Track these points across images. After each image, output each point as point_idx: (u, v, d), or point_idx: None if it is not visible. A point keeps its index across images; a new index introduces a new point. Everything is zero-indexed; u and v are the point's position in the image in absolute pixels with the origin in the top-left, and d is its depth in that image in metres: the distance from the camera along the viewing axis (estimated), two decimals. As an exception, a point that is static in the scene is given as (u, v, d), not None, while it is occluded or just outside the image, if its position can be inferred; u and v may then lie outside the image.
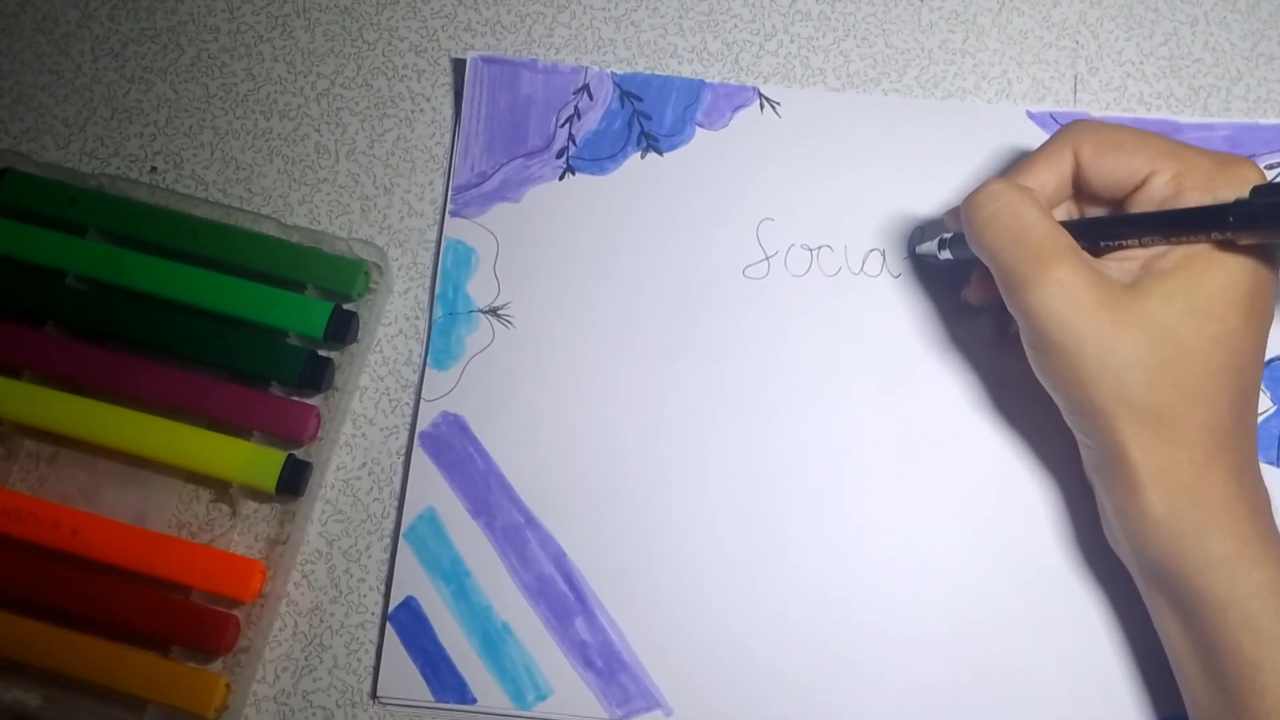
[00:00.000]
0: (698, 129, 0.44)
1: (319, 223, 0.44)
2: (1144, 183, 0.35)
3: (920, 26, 0.46)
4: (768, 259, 0.43)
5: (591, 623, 0.39)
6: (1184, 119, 0.44)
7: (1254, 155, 0.43)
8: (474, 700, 0.38)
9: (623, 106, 0.45)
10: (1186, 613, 0.34)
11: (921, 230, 0.43)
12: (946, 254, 0.40)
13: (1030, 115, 0.44)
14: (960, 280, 0.41)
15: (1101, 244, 0.35)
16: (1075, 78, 0.45)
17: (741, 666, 0.38)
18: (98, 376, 0.41)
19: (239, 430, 0.41)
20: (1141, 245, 0.35)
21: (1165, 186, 0.35)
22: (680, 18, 0.47)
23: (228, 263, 0.42)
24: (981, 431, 0.41)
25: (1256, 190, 0.33)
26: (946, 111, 0.44)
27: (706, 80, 0.45)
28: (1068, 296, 0.33)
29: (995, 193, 0.35)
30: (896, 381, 0.41)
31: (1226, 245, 0.33)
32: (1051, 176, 0.37)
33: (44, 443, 0.42)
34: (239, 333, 0.41)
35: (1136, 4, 0.46)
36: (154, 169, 0.45)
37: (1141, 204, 0.35)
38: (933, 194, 0.43)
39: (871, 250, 0.43)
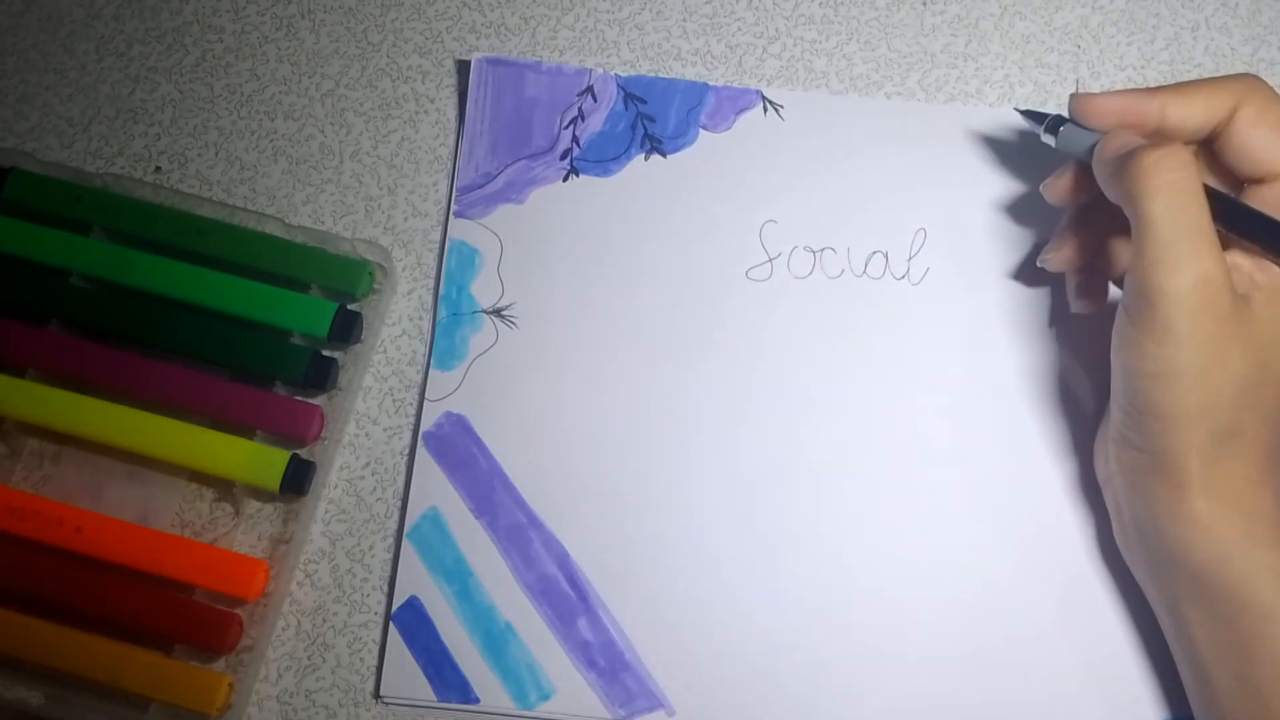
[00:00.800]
0: (701, 131, 0.44)
1: (323, 223, 0.45)
2: (1276, 178, 0.34)
3: (923, 30, 0.46)
4: (771, 261, 0.43)
5: (594, 623, 0.39)
6: (1185, 123, 0.44)
7: (1255, 160, 0.43)
8: (477, 700, 0.39)
9: (626, 108, 0.45)
10: (1221, 621, 0.33)
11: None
12: (1051, 140, 0.37)
13: (1032, 119, 0.44)
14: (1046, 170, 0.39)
15: (1219, 227, 0.33)
16: (1077, 82, 0.46)
17: (744, 667, 0.39)
18: (102, 375, 0.41)
19: (243, 429, 0.41)
20: (1259, 252, 0.34)
21: None
22: (684, 21, 0.47)
23: (232, 262, 0.42)
24: (986, 434, 0.41)
25: None
26: (949, 115, 0.44)
27: (710, 83, 0.45)
28: (1210, 294, 0.32)
29: (1177, 162, 0.32)
30: (900, 383, 0.41)
31: None
32: (1203, 115, 0.34)
33: (48, 441, 0.42)
34: (243, 332, 0.41)
35: (1138, 9, 0.46)
36: (158, 169, 0.45)
37: (1264, 198, 0.34)
38: (935, 197, 0.43)
39: (874, 253, 0.43)
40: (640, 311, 0.42)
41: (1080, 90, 0.45)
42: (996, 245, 0.43)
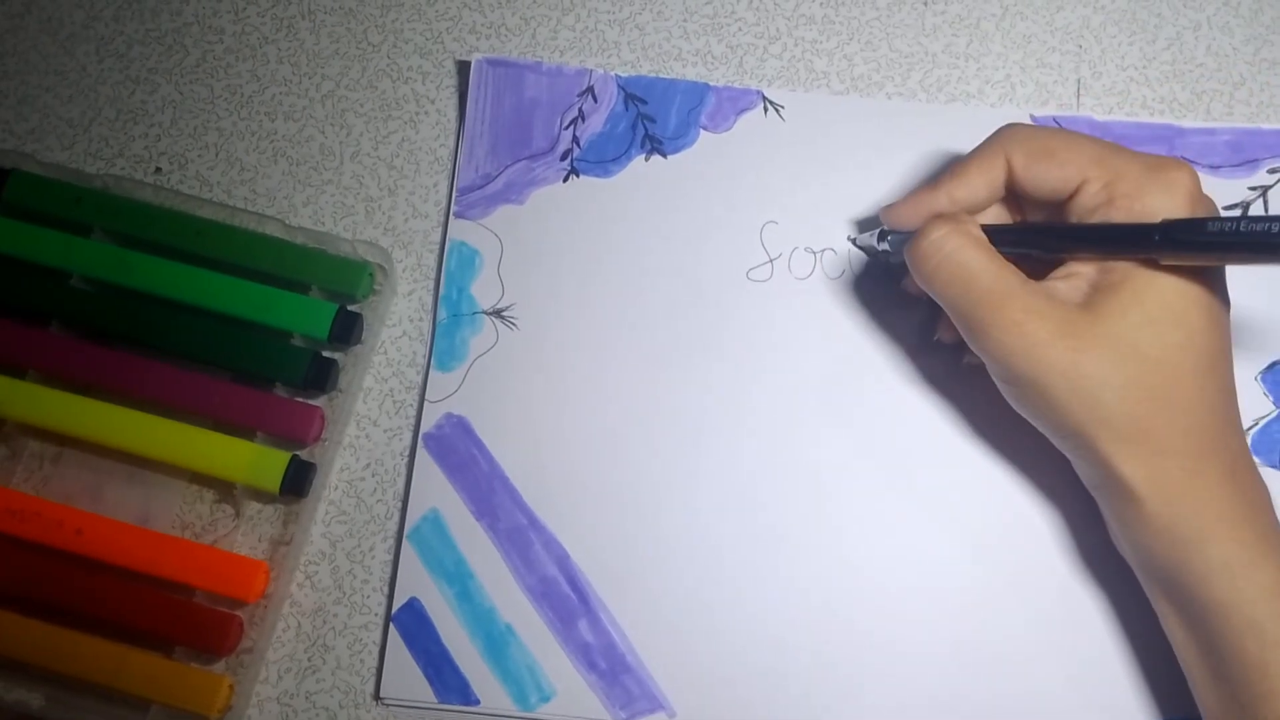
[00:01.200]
0: (701, 132, 0.44)
1: (323, 224, 0.44)
2: (1077, 191, 0.35)
3: (924, 30, 0.46)
4: (771, 262, 0.43)
5: (595, 624, 0.39)
6: (1186, 123, 0.44)
7: (1257, 160, 0.43)
8: (477, 701, 0.38)
9: (627, 109, 0.45)
10: (1193, 620, 0.34)
11: (859, 224, 0.43)
12: (885, 246, 0.40)
13: (1034, 119, 0.44)
14: (900, 275, 0.41)
15: (1039, 253, 0.35)
16: (1078, 82, 0.46)
17: (744, 669, 0.38)
18: (102, 377, 0.41)
19: (243, 431, 0.41)
20: (1078, 260, 0.35)
21: (1096, 195, 0.35)
22: (685, 21, 0.47)
23: (232, 264, 0.42)
24: (987, 433, 0.41)
25: (1177, 224, 0.33)
26: (950, 115, 0.44)
27: (710, 83, 0.45)
28: (1025, 334, 0.34)
29: (937, 242, 0.35)
30: (899, 384, 0.41)
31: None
32: (983, 184, 0.37)
33: (48, 443, 0.42)
34: (243, 333, 0.41)
35: (1139, 8, 0.46)
36: (159, 170, 0.45)
37: (1076, 213, 0.35)
38: (936, 197, 0.43)
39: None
40: (640, 312, 0.42)
41: (1080, 87, 0.45)
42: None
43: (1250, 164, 0.43)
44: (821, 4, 0.47)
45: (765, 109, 0.45)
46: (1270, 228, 0.30)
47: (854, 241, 0.43)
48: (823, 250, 0.43)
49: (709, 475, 0.40)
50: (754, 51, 0.46)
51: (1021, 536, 0.40)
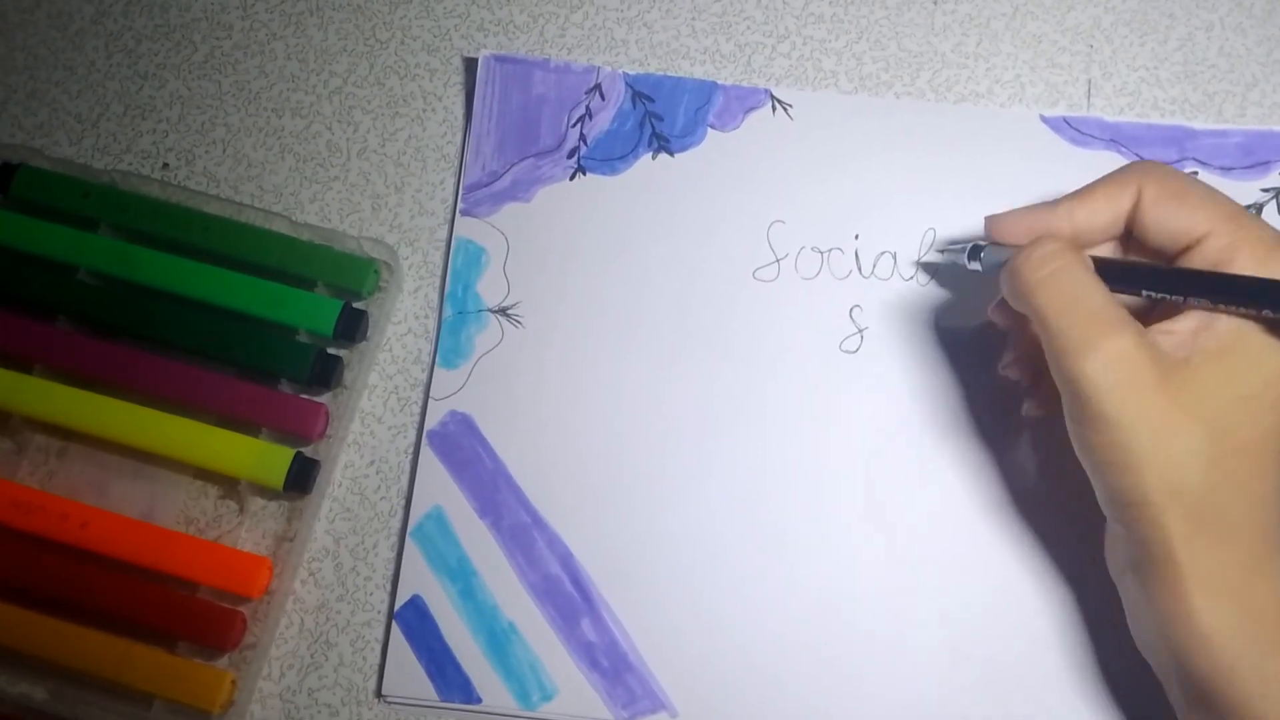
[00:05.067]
0: (709, 130, 0.44)
1: (330, 221, 0.44)
2: (1198, 242, 0.33)
3: (933, 30, 0.46)
4: (778, 261, 0.43)
5: (597, 623, 0.39)
6: (1198, 125, 0.44)
7: (1269, 162, 0.43)
8: (479, 700, 0.38)
9: (634, 107, 0.45)
10: None
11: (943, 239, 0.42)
12: (976, 265, 0.38)
13: (1043, 120, 0.44)
14: (983, 292, 0.39)
15: (1144, 293, 0.33)
16: (1089, 82, 0.45)
17: (747, 669, 0.38)
18: (108, 371, 0.41)
19: (248, 427, 0.41)
20: (1185, 306, 0.32)
21: (1220, 250, 0.32)
22: (693, 19, 0.47)
23: (238, 259, 0.42)
24: (994, 435, 0.40)
25: None
26: (959, 115, 0.44)
27: (719, 82, 0.45)
28: (1128, 368, 0.31)
29: (1050, 254, 0.33)
30: (905, 384, 0.41)
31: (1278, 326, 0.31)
32: (1108, 210, 0.34)
33: (54, 437, 0.42)
34: (249, 329, 0.41)
35: (1151, 9, 0.46)
36: (166, 165, 0.46)
37: (1191, 263, 0.33)
38: (944, 198, 0.43)
39: (883, 253, 0.43)
40: (646, 311, 0.42)
41: (1091, 88, 0.45)
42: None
43: (1262, 166, 0.43)
44: (830, 3, 0.47)
45: (773, 108, 0.44)
46: None
47: (941, 253, 0.41)
48: (830, 250, 0.43)
49: (713, 474, 0.40)
50: (762, 50, 0.46)
51: (1029, 540, 0.39)
